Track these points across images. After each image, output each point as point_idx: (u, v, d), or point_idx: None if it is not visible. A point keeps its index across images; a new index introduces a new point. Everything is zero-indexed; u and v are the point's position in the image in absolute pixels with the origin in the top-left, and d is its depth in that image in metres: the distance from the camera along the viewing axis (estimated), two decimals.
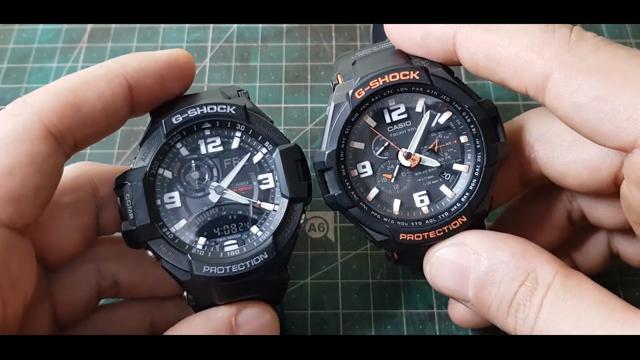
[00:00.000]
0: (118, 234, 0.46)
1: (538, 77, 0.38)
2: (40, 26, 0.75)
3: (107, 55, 0.73)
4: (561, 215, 0.50)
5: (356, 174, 0.47)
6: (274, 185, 0.47)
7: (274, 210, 0.47)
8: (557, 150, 0.45)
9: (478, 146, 0.45)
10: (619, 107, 0.35)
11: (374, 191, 0.47)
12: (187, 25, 0.75)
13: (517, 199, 0.53)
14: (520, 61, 0.39)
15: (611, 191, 0.43)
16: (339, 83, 0.48)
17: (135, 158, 0.46)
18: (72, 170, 0.49)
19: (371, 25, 0.74)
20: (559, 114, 0.39)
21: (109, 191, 0.46)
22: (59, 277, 0.48)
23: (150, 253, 0.45)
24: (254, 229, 0.47)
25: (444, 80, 0.45)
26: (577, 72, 0.37)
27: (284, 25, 0.75)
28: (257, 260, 0.44)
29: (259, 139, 0.47)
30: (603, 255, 0.53)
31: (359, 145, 0.47)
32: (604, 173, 0.42)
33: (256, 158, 0.48)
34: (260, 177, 0.47)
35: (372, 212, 0.46)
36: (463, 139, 0.47)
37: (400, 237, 0.45)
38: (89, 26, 0.75)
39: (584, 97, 0.36)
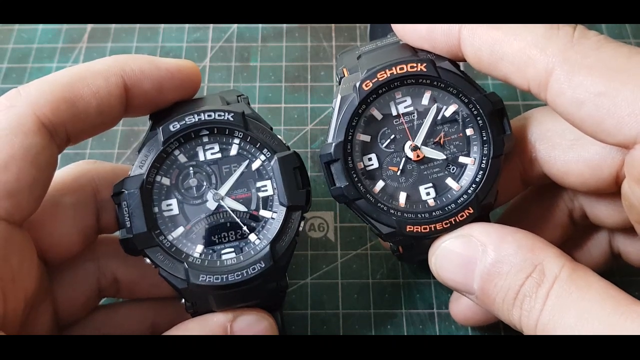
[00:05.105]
0: (118, 233, 0.46)
1: (540, 73, 0.38)
2: (40, 26, 0.75)
3: (107, 56, 0.73)
4: (562, 214, 0.50)
5: (362, 166, 0.47)
6: (272, 193, 0.47)
7: (272, 218, 0.47)
8: (559, 149, 0.45)
9: (484, 138, 0.46)
10: (620, 102, 0.35)
11: (380, 184, 0.47)
12: (187, 25, 0.75)
13: (518, 198, 0.54)
14: (523, 57, 0.39)
15: (612, 190, 0.43)
16: (345, 76, 0.48)
17: (133, 165, 0.45)
18: (73, 170, 0.49)
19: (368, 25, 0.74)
20: (560, 111, 0.39)
21: (109, 193, 0.46)
22: (60, 275, 0.48)
23: (147, 260, 0.45)
24: (252, 237, 0.46)
25: (450, 73, 0.45)
26: (579, 69, 0.37)
27: (284, 25, 0.75)
28: (254, 269, 0.44)
29: (257, 146, 0.47)
30: (604, 255, 0.52)
31: (365, 137, 0.47)
32: (605, 172, 0.42)
33: (255, 165, 0.47)
34: (259, 184, 0.47)
35: (379, 204, 0.45)
36: (469, 131, 0.47)
37: (407, 229, 0.45)
38: (89, 26, 0.75)
39: (586, 93, 0.36)
